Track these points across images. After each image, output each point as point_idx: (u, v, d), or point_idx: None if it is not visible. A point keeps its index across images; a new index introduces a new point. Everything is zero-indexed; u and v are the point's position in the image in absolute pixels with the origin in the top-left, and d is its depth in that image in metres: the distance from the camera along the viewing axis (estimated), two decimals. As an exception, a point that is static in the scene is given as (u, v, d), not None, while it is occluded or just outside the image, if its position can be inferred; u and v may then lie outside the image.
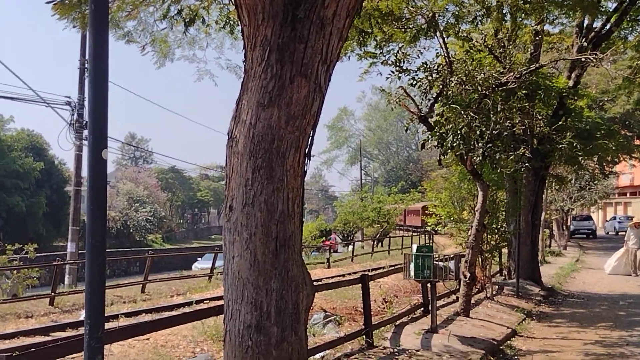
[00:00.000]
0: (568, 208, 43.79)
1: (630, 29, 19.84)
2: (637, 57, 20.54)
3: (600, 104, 31.37)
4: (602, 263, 32.23)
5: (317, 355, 9.02)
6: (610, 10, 18.00)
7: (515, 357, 11.14)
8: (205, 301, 15.76)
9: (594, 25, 19.65)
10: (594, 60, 14.05)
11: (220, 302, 6.38)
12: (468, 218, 16.94)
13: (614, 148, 21.70)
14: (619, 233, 60.94)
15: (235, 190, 5.88)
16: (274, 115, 5.76)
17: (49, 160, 55.90)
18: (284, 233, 5.83)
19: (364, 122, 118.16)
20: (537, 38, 17.50)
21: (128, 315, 13.49)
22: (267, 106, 5.75)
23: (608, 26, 18.36)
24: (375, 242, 48.14)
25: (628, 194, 75.94)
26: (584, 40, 18.91)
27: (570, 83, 19.04)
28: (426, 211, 28.92)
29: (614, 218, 68.03)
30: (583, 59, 15.17)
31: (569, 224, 47.95)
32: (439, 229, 19.97)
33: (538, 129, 14.54)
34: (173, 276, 25.33)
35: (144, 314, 13.80)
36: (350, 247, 42.61)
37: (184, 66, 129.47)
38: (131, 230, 66.27)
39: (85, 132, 26.42)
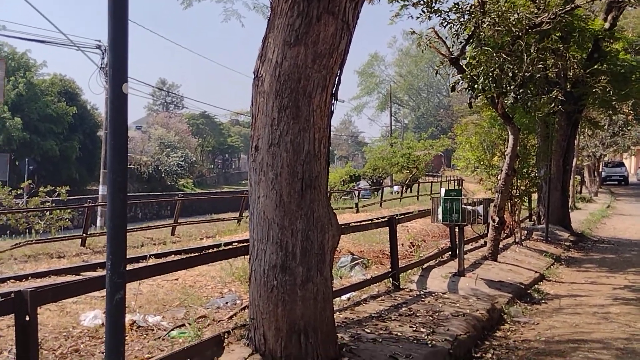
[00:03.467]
0: (600, 154, 43.21)
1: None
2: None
3: (637, 47, 30.61)
4: (633, 210, 32.03)
5: (344, 297, 9.07)
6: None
7: (543, 300, 11.10)
8: (234, 243, 15.82)
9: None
10: (632, 1, 13.63)
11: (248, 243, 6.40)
12: (498, 163, 16.76)
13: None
14: (652, 180, 60.35)
15: (261, 130, 5.85)
16: (300, 53, 5.68)
17: (81, 105, 56.05)
18: (310, 173, 5.81)
19: (395, 68, 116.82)
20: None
21: (157, 256, 13.60)
22: (294, 44, 5.67)
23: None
24: (404, 188, 48.02)
25: (663, 141, 74.53)
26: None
27: (607, 25, 18.53)
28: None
29: (647, 165, 67.15)
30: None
31: (600, 170, 47.36)
32: (469, 172, 19.80)
33: (572, 71, 14.25)
34: (203, 219, 25.54)
35: (173, 255, 13.90)
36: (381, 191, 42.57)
37: (214, 9, 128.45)
38: (163, 175, 66.65)
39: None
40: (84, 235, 17.92)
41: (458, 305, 9.18)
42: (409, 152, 50.47)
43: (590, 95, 18.02)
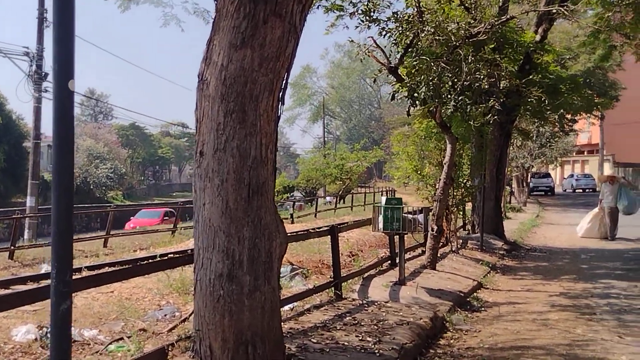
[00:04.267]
0: (529, 165, 44.23)
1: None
2: (602, 13, 20.42)
3: (562, 62, 31.47)
4: (561, 219, 32.79)
5: (286, 307, 8.91)
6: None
7: (482, 308, 11.16)
8: (169, 255, 15.52)
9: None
10: (565, 13, 13.94)
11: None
12: (432, 173, 16.88)
13: (578, 103, 21.80)
14: (576, 190, 62.24)
15: (206, 135, 5.68)
16: (246, 56, 5.54)
17: (6, 115, 54.36)
18: (256, 179, 5.66)
19: (327, 80, 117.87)
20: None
21: (91, 268, 13.20)
22: (240, 47, 5.53)
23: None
24: (338, 199, 48.15)
25: (585, 152, 76.92)
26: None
27: (537, 38, 18.93)
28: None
29: (572, 176, 69.27)
30: (554, 11, 15.03)
31: (528, 180, 48.45)
32: (405, 182, 19.89)
33: (506, 82, 14.48)
34: (135, 231, 25.03)
35: (107, 267, 13.48)
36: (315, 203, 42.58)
37: (149, 16, 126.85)
38: (91, 187, 65.40)
39: (45, 84, 25.78)
40: (12, 247, 17.31)
41: (401, 313, 9.14)
42: (342, 163, 50.61)
43: (523, 105, 18.36)
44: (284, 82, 5.90)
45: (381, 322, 8.44)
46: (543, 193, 56.47)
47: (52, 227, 3.55)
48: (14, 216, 19.20)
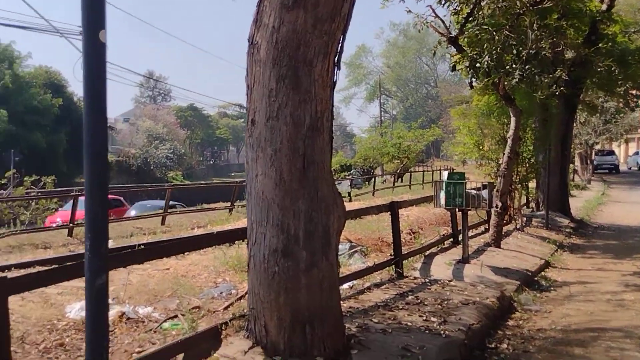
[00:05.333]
0: (593, 142, 42.94)
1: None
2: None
3: (627, 35, 30.27)
4: (627, 197, 31.73)
5: (345, 285, 8.57)
6: None
7: (552, 288, 10.65)
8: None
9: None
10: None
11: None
12: (493, 148, 16.30)
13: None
14: (643, 168, 60.30)
15: (258, 102, 5.33)
16: (299, 17, 5.16)
17: (67, 97, 55.31)
18: (312, 149, 5.29)
19: (382, 59, 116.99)
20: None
21: (148, 245, 13.12)
22: (292, 7, 5.14)
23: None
24: (395, 178, 47.63)
25: (651, 129, 74.52)
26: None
27: (604, 7, 18.05)
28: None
29: (637, 153, 67.08)
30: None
31: (592, 158, 47.08)
32: (469, 157, 19.31)
33: (572, 52, 13.84)
34: (193, 209, 25.01)
35: (171, 243, 13.40)
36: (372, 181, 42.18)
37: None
38: (152, 167, 66.16)
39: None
40: (71, 225, 17.38)
41: (466, 293, 8.70)
42: (400, 142, 49.97)
43: (590, 77, 17.60)
44: (340, 45, 5.50)
45: (445, 302, 8.02)
46: (607, 171, 54.83)
47: (85, 198, 3.26)
48: (72, 194, 19.30)
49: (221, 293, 8.56)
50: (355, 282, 8.88)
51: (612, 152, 59.20)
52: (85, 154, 3.32)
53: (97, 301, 3.25)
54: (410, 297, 8.16)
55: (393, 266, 9.69)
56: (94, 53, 3.25)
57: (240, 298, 7.70)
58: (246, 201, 5.59)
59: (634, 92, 33.12)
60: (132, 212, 27.62)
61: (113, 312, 6.75)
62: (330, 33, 5.28)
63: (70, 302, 7.41)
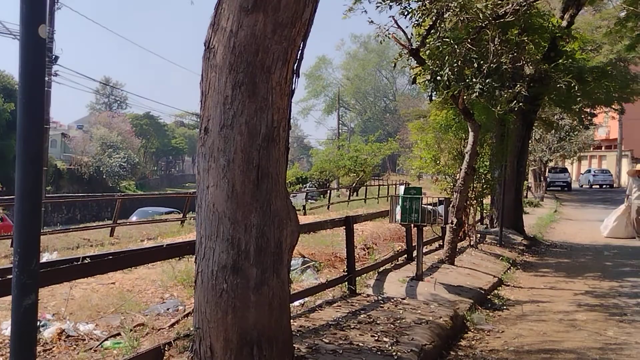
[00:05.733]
0: (547, 159, 43.45)
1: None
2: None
3: (584, 52, 30.80)
4: (579, 215, 32.08)
5: (297, 302, 8.30)
6: None
7: (504, 307, 10.53)
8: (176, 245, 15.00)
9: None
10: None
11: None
12: (450, 163, 16.20)
13: (612, 92, 20.96)
14: (593, 186, 61.51)
15: (212, 110, 5.05)
16: (259, 21, 4.91)
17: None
18: (267, 160, 5.04)
19: (342, 71, 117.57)
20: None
21: (94, 258, 12.66)
22: (252, 11, 4.89)
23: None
24: (351, 191, 47.54)
25: (603, 147, 76.03)
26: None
27: (564, 23, 18.18)
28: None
29: (589, 171, 68.43)
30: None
31: (546, 175, 47.64)
32: (422, 172, 19.20)
33: (530, 68, 13.84)
34: (143, 220, 24.48)
35: (110, 257, 12.95)
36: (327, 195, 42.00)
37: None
38: (104, 176, 65.19)
39: (55, 68, 25.28)
40: (12, 235, 16.82)
41: (419, 312, 8.51)
42: (356, 155, 49.92)
43: (547, 94, 17.69)
44: (300, 52, 5.27)
45: (398, 321, 7.81)
46: (560, 188, 55.63)
47: (15, 205, 2.95)
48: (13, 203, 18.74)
49: (168, 309, 8.23)
50: (307, 299, 8.63)
51: (565, 170, 60.17)
52: (18, 161, 3.04)
53: (24, 323, 2.94)
54: (362, 316, 7.93)
55: (346, 283, 9.44)
56: (33, 49, 2.95)
57: (187, 315, 7.39)
58: (196, 214, 5.30)
59: (588, 110, 33.74)
60: (134, 218, 27.28)
61: (52, 329, 6.41)
62: (290, 39, 5.05)
63: (7, 318, 7.02)
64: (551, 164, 52.24)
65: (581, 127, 41.04)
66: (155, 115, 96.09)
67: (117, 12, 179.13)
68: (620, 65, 34.60)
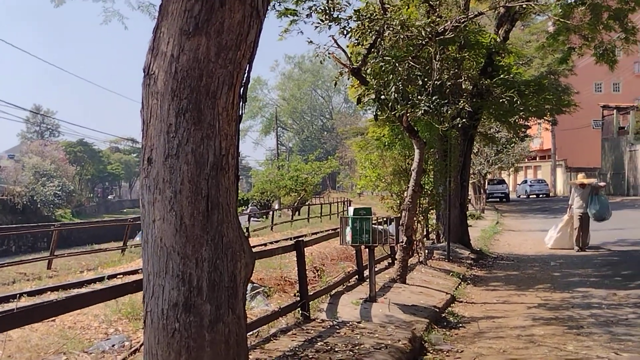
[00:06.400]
0: (486, 171, 44.07)
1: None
2: (559, 14, 20.01)
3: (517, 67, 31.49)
4: (520, 225, 32.50)
5: (249, 333, 7.99)
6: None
7: (460, 324, 10.38)
8: (118, 276, 14.52)
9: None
10: (534, 6, 13.40)
11: (137, 277, 5.23)
12: (396, 180, 16.10)
13: (552, 104, 21.32)
14: (530, 196, 62.97)
15: (155, 139, 4.73)
16: (201, 45, 4.63)
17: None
18: (216, 190, 4.74)
19: (278, 92, 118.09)
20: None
21: (31, 294, 12.13)
22: (193, 34, 4.61)
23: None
24: (293, 211, 47.35)
25: (537, 158, 77.75)
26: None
27: (499, 39, 18.38)
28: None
29: (525, 182, 70.17)
30: (523, 6, 14.48)
31: (485, 187, 48.30)
32: (362, 191, 19.08)
33: (468, 84, 13.91)
34: (83, 250, 23.77)
35: (49, 292, 12.42)
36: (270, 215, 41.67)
37: (95, 33, 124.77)
38: (39, 206, 63.58)
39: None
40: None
41: (377, 335, 8.29)
42: (297, 175, 49.85)
43: (487, 108, 17.84)
44: (246, 75, 5.01)
45: (357, 347, 7.57)
46: (498, 200, 56.59)
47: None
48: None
49: (113, 346, 7.88)
50: (260, 328, 8.33)
51: (502, 181, 61.42)
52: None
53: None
54: (319, 344, 7.66)
55: (299, 309, 9.17)
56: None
57: (134, 352, 7.04)
58: (142, 250, 4.97)
59: (522, 122, 34.42)
60: (137, 239, 26.57)
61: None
62: (235, 62, 4.79)
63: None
64: (489, 176, 53.02)
65: (517, 139, 41.86)
66: (90, 142, 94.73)
67: (48, 39, 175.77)
68: (551, 77, 35.63)
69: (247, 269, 5.08)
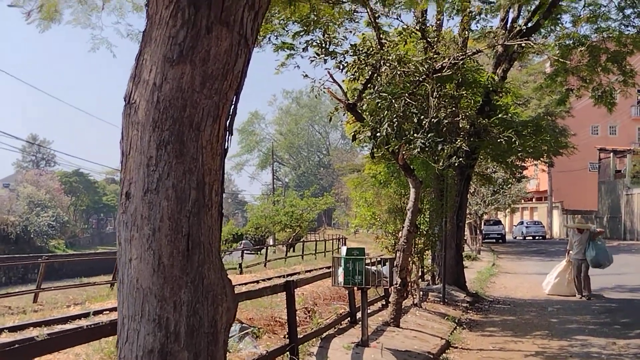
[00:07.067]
0: (482, 212, 43.80)
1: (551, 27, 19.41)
2: (557, 55, 19.94)
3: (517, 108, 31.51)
4: (517, 267, 32.11)
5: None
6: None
7: (455, 373, 10.01)
8: (105, 312, 14.08)
9: (519, 22, 18.96)
10: (533, 46, 13.28)
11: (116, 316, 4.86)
12: (391, 220, 15.76)
13: (551, 145, 21.22)
14: (526, 237, 62.62)
15: (134, 172, 4.43)
16: (185, 73, 4.35)
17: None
18: (198, 228, 4.42)
19: (275, 126, 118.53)
20: (464, 31, 16.61)
21: (12, 329, 11.71)
22: (177, 62, 4.33)
23: (534, 20, 17.84)
24: (288, 247, 46.92)
25: (534, 199, 77.60)
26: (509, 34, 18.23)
27: (497, 78, 18.23)
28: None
29: (522, 223, 69.88)
30: (522, 45, 14.35)
31: (482, 228, 47.98)
32: (365, 230, 18.73)
33: (465, 123, 13.74)
34: (70, 284, 23.30)
35: (31, 328, 11.99)
36: (263, 251, 41.23)
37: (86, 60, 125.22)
38: (32, 236, 63.21)
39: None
40: None
41: (368, 383, 7.91)
42: (292, 210, 49.52)
43: (484, 147, 17.63)
44: (233, 107, 4.71)
45: (346, 396, 7.19)
46: (494, 240, 56.17)
47: None
48: None
49: (92, 389, 7.47)
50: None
51: (499, 222, 61.05)
52: None
53: None
54: (308, 392, 7.28)
55: (288, 353, 8.78)
56: None
57: (112, 397, 6.63)
58: (117, 291, 4.63)
59: (518, 163, 34.32)
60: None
61: None
62: (221, 92, 4.50)
63: None
64: (485, 217, 52.76)
65: (514, 180, 41.69)
66: (85, 173, 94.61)
67: (43, 68, 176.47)
68: (548, 119, 35.65)
69: (229, 314, 4.75)
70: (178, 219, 4.35)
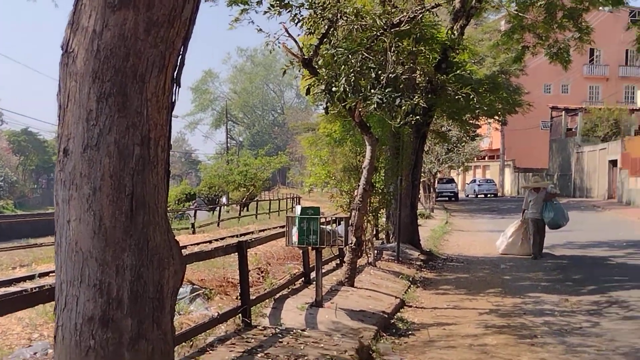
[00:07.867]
0: (436, 170, 43.98)
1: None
2: (513, 13, 19.82)
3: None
4: (469, 225, 32.42)
5: (183, 343, 7.34)
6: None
7: (410, 332, 9.89)
8: (51, 274, 13.69)
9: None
10: (491, 1, 13.08)
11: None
12: (345, 178, 15.56)
13: (509, 102, 21.29)
14: (479, 196, 63.42)
15: (72, 127, 4.08)
16: (128, 20, 3.98)
17: None
18: (142, 187, 4.10)
19: (229, 85, 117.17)
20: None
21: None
22: (119, 7, 3.96)
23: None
24: (241, 207, 46.60)
25: (486, 158, 78.37)
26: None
27: (454, 35, 18.02)
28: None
29: (474, 181, 70.68)
30: (476, 1, 14.17)
31: (435, 186, 48.22)
32: (320, 187, 18.49)
33: (422, 79, 13.53)
34: (17, 245, 22.74)
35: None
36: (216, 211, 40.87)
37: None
38: (-22, 197, 61.80)
39: None
40: None
41: (322, 345, 7.73)
42: (246, 170, 49.06)
43: (441, 105, 17.50)
44: (181, 57, 4.37)
45: (300, 359, 7.00)
46: (447, 199, 56.62)
47: None
48: None
49: (35, 354, 7.19)
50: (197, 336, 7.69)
51: (452, 180, 61.56)
52: None
53: None
54: (259, 355, 7.05)
55: (240, 315, 8.55)
56: None
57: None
58: (55, 254, 4.31)
59: (473, 121, 34.45)
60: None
61: None
62: (168, 41, 4.16)
63: None
64: (439, 175, 53.07)
65: (467, 138, 41.88)
66: (35, 132, 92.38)
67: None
68: (503, 77, 35.81)
69: (176, 278, 4.46)
70: (121, 177, 4.04)
